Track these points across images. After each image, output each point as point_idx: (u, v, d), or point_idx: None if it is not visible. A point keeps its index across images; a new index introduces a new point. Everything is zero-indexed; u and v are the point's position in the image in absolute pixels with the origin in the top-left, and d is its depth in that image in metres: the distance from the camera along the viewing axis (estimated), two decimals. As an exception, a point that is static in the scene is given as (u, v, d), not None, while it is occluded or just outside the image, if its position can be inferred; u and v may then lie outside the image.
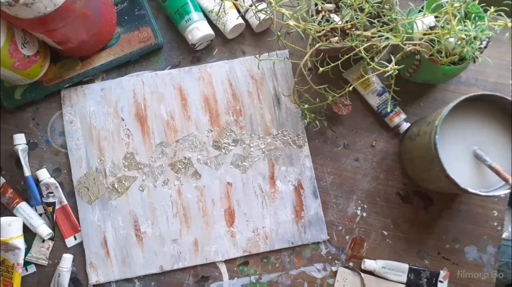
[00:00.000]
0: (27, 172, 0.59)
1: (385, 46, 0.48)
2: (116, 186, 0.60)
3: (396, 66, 0.47)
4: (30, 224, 0.58)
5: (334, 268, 0.59)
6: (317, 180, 0.60)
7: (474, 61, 0.50)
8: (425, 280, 0.57)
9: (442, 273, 0.58)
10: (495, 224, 0.59)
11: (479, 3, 0.50)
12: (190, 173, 0.60)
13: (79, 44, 0.57)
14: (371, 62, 0.48)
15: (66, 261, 0.57)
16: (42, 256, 0.59)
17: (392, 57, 0.48)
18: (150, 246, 0.59)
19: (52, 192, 0.59)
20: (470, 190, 0.46)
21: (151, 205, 0.60)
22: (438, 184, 0.53)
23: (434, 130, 0.47)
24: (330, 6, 0.54)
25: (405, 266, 0.58)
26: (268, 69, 0.62)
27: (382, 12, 0.51)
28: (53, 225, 0.59)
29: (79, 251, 0.59)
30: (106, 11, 0.59)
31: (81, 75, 0.61)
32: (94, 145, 0.60)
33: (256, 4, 0.53)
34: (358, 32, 0.49)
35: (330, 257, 0.59)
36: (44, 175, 0.59)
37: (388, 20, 0.50)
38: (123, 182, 0.60)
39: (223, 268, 0.59)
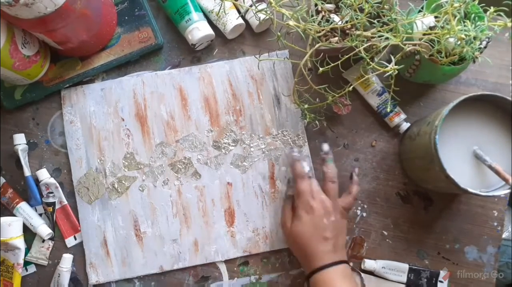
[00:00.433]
0: (27, 172, 0.59)
1: (385, 46, 0.48)
2: (116, 186, 0.60)
3: (396, 66, 0.47)
4: (30, 224, 0.58)
5: (334, 268, 0.58)
6: (317, 180, 0.60)
7: (474, 61, 0.50)
8: (425, 280, 0.57)
9: (442, 273, 0.58)
10: (495, 224, 0.59)
11: (479, 3, 0.50)
12: (190, 173, 0.60)
13: (79, 44, 0.57)
14: (371, 62, 0.48)
15: (66, 261, 0.57)
16: (42, 256, 0.59)
17: (392, 57, 0.48)
18: (150, 246, 0.59)
19: (52, 192, 0.59)
20: (470, 190, 0.46)
21: (151, 205, 0.60)
22: (438, 184, 0.53)
23: (434, 130, 0.47)
24: (330, 6, 0.54)
25: (405, 266, 0.58)
26: (268, 69, 0.62)
27: (382, 12, 0.51)
28: (53, 225, 0.59)
29: (79, 251, 0.59)
30: (106, 11, 0.59)
31: (81, 75, 0.61)
32: (94, 145, 0.61)
33: (256, 4, 0.53)
34: (358, 32, 0.49)
35: (330, 257, 0.59)
36: (44, 175, 0.59)
37: (388, 20, 0.50)
38: (123, 182, 0.60)
39: (223, 268, 0.59)
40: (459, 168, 0.49)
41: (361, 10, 0.50)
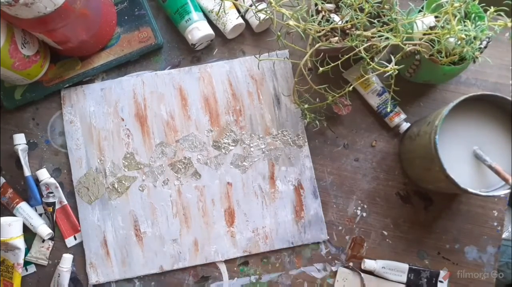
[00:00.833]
0: (27, 172, 0.59)
1: (385, 46, 0.48)
2: (116, 186, 0.60)
3: (396, 66, 0.47)
4: (30, 224, 0.58)
5: (334, 268, 0.59)
6: (317, 180, 0.60)
7: (474, 61, 0.50)
8: (425, 280, 0.58)
9: (442, 273, 0.58)
10: (495, 224, 0.59)
11: (479, 3, 0.50)
12: (190, 173, 0.60)
13: (79, 44, 0.57)
14: (371, 62, 0.48)
15: (66, 261, 0.57)
16: (42, 256, 0.59)
17: (392, 57, 0.48)
18: (150, 246, 0.59)
19: (52, 192, 0.59)
20: (470, 190, 0.46)
21: (151, 205, 0.60)
22: (438, 184, 0.53)
23: (434, 130, 0.47)
24: (330, 6, 0.54)
25: (405, 266, 0.58)
26: (268, 69, 0.62)
27: (382, 12, 0.51)
28: (53, 225, 0.59)
29: (79, 251, 0.59)
30: (106, 11, 0.59)
31: (81, 75, 0.61)
32: (94, 145, 0.60)
33: (256, 4, 0.53)
34: (358, 32, 0.49)
35: (330, 257, 0.59)
36: (44, 175, 0.59)
37: (388, 20, 0.50)
38: (123, 182, 0.60)
39: (223, 268, 0.59)
40: (459, 168, 0.49)
41: (361, 10, 0.50)
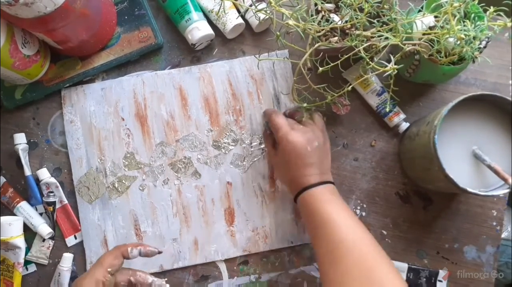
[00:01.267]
0: (27, 171, 0.59)
1: (385, 46, 0.49)
2: (116, 185, 0.60)
3: (396, 66, 0.47)
4: (31, 223, 0.58)
5: (333, 268, 0.59)
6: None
7: (474, 61, 0.50)
8: (424, 279, 0.58)
9: (442, 272, 0.58)
10: (494, 223, 0.59)
11: (478, 3, 0.50)
12: (190, 173, 0.60)
13: (79, 44, 0.57)
14: (370, 62, 0.48)
15: (67, 260, 0.58)
16: (42, 255, 0.59)
17: (392, 57, 0.48)
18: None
19: (52, 192, 0.59)
20: (469, 189, 0.46)
21: (151, 204, 0.60)
22: (437, 184, 0.53)
23: (434, 130, 0.47)
24: (330, 6, 0.54)
25: (404, 266, 0.58)
26: (267, 69, 0.62)
27: (382, 12, 0.51)
28: (54, 224, 0.59)
29: (79, 250, 0.59)
30: (106, 11, 0.59)
31: (81, 74, 0.61)
32: (94, 145, 0.61)
33: (256, 4, 0.53)
34: (357, 32, 0.50)
35: (329, 256, 0.59)
36: (44, 174, 0.59)
37: (387, 20, 0.50)
38: (123, 181, 0.60)
39: (222, 267, 0.59)
40: (459, 167, 0.49)
41: (361, 9, 0.50)
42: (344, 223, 0.47)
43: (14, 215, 0.58)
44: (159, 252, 0.51)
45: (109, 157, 0.60)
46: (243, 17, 0.61)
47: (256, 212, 0.60)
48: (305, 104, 0.56)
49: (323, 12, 0.53)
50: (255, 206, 0.60)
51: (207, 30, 0.60)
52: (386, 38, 0.48)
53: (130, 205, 0.60)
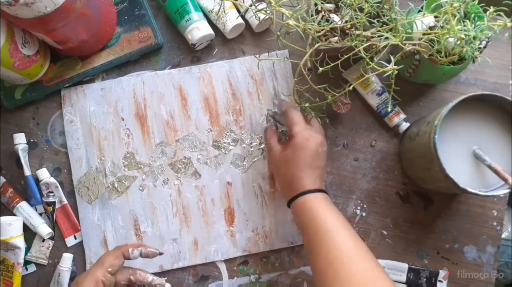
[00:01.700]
0: (27, 171, 0.59)
1: (385, 46, 0.49)
2: (116, 185, 0.60)
3: (396, 66, 0.47)
4: (30, 223, 0.58)
5: (333, 268, 0.58)
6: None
7: (474, 61, 0.50)
8: (425, 279, 0.58)
9: (442, 272, 0.58)
10: (495, 223, 0.59)
11: (478, 3, 0.50)
12: (190, 173, 0.60)
13: (79, 44, 0.57)
14: (370, 62, 0.48)
15: (66, 261, 0.58)
16: (42, 255, 0.59)
17: (392, 57, 0.48)
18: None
19: (52, 192, 0.59)
20: (470, 190, 0.46)
21: (151, 204, 0.60)
22: (437, 184, 0.53)
23: (434, 130, 0.47)
24: (330, 6, 0.54)
25: (405, 266, 0.58)
26: (268, 69, 0.62)
27: (382, 12, 0.51)
28: (53, 224, 0.59)
29: (79, 250, 0.59)
30: (106, 11, 0.59)
31: (81, 74, 0.61)
32: (94, 145, 0.61)
33: (256, 4, 0.53)
34: (357, 32, 0.49)
35: (329, 256, 0.59)
36: (44, 174, 0.59)
37: (387, 20, 0.50)
38: (123, 181, 0.60)
39: (222, 267, 0.59)
40: (459, 167, 0.49)
41: (361, 9, 0.50)
42: (342, 233, 0.47)
43: (14, 215, 0.58)
44: (160, 254, 0.51)
45: (109, 157, 0.60)
46: (243, 17, 0.61)
47: (256, 212, 0.59)
48: (306, 104, 0.56)
49: (323, 12, 0.53)
50: (255, 206, 0.60)
51: (207, 30, 0.60)
52: (386, 38, 0.48)
53: (129, 205, 0.60)
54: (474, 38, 0.48)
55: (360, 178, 0.60)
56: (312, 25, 0.50)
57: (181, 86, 0.62)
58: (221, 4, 0.55)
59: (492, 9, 0.47)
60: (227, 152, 0.61)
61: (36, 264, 0.59)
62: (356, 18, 0.50)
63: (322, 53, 0.52)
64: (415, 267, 0.58)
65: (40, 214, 0.59)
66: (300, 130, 0.52)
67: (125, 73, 0.63)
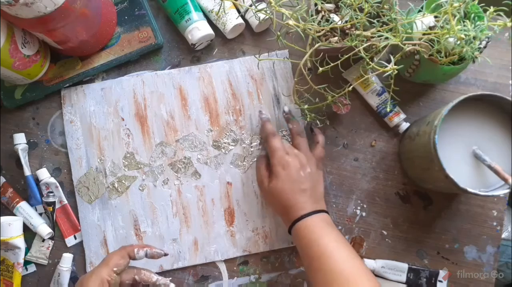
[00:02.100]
0: (27, 171, 0.59)
1: (385, 46, 0.49)
2: (116, 185, 0.60)
3: (396, 66, 0.47)
4: (30, 223, 0.58)
5: (333, 268, 0.58)
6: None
7: (474, 61, 0.50)
8: (425, 279, 0.58)
9: (442, 272, 0.58)
10: (495, 224, 0.59)
11: (478, 3, 0.50)
12: (190, 173, 0.60)
13: (79, 44, 0.57)
14: (370, 62, 0.48)
15: (66, 261, 0.58)
16: (42, 255, 0.59)
17: (392, 57, 0.48)
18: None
19: (52, 192, 0.59)
20: (470, 190, 0.46)
21: (151, 204, 0.60)
22: (437, 184, 0.53)
23: (434, 130, 0.47)
24: (330, 6, 0.54)
25: (405, 266, 0.58)
26: (267, 69, 0.62)
27: (382, 12, 0.51)
28: (53, 224, 0.59)
29: (79, 250, 0.59)
30: (106, 11, 0.59)
31: (81, 74, 0.61)
32: (94, 145, 0.61)
33: (256, 4, 0.53)
34: (357, 32, 0.50)
35: (329, 256, 0.59)
36: (44, 174, 0.59)
37: (387, 20, 0.50)
38: (123, 181, 0.60)
39: (222, 267, 0.59)
40: (459, 168, 0.49)
41: (361, 9, 0.50)
42: (340, 255, 0.47)
43: (14, 215, 0.58)
44: (165, 254, 0.51)
45: (109, 157, 0.60)
46: (243, 17, 0.61)
47: (256, 212, 0.59)
48: (306, 106, 0.56)
49: (323, 12, 0.53)
50: (255, 206, 0.60)
51: (207, 30, 0.60)
52: (386, 38, 0.48)
53: (129, 205, 0.60)
54: (474, 38, 0.48)
55: (360, 178, 0.60)
56: (312, 25, 0.50)
57: (181, 86, 0.62)
58: (221, 4, 0.55)
59: (492, 9, 0.47)
60: (227, 152, 0.61)
61: (36, 264, 0.59)
62: (356, 18, 0.50)
63: (322, 53, 0.52)
64: (415, 267, 0.58)
65: (40, 214, 0.59)
66: (278, 159, 0.53)
67: (125, 73, 0.63)
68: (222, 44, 0.63)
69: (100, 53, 0.61)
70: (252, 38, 0.63)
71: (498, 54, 0.61)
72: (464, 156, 0.50)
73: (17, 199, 0.59)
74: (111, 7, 0.61)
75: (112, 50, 0.61)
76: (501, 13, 0.46)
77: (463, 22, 0.49)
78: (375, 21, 0.49)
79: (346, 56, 0.50)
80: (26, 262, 0.58)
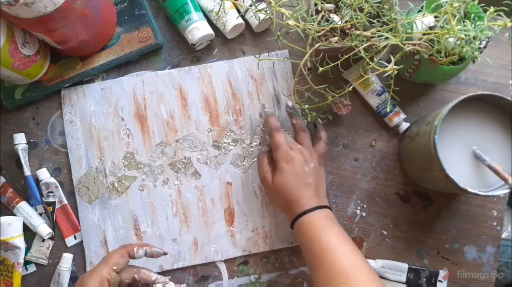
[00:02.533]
0: (27, 171, 0.59)
1: (385, 46, 0.49)
2: (116, 185, 0.60)
3: (396, 66, 0.47)
4: (30, 223, 0.58)
5: (333, 268, 0.58)
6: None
7: (474, 61, 0.50)
8: (425, 279, 0.58)
9: (442, 272, 0.58)
10: (495, 224, 0.59)
11: (478, 3, 0.50)
12: (190, 173, 0.60)
13: (79, 44, 0.57)
14: (370, 62, 0.48)
15: (66, 261, 0.58)
16: (42, 255, 0.59)
17: (392, 57, 0.48)
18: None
19: (52, 192, 0.59)
20: (470, 190, 0.46)
21: (151, 204, 0.60)
22: (437, 184, 0.53)
23: (434, 130, 0.47)
24: (330, 6, 0.54)
25: (405, 266, 0.58)
26: (267, 69, 0.62)
27: (382, 12, 0.51)
28: (53, 224, 0.59)
29: (79, 250, 0.59)
30: (106, 11, 0.59)
31: (81, 74, 0.61)
32: (94, 145, 0.61)
33: (256, 4, 0.53)
34: (357, 32, 0.50)
35: (329, 256, 0.59)
36: (44, 174, 0.59)
37: (387, 20, 0.50)
38: (123, 181, 0.60)
39: (222, 267, 0.59)
40: (459, 168, 0.49)
41: (361, 9, 0.50)
42: (342, 252, 0.47)
43: (14, 215, 0.58)
44: (165, 253, 0.51)
45: (109, 157, 0.60)
46: (243, 17, 0.61)
47: (256, 212, 0.59)
48: (306, 106, 0.56)
49: (323, 12, 0.53)
50: (255, 206, 0.60)
51: (207, 30, 0.60)
52: (386, 38, 0.48)
53: (129, 205, 0.60)
54: (474, 38, 0.48)
55: (360, 178, 0.60)
56: (312, 25, 0.50)
57: (181, 86, 0.62)
58: (221, 4, 0.55)
59: (492, 9, 0.47)
60: (227, 152, 0.61)
61: (36, 264, 0.59)
62: (356, 18, 0.50)
63: (322, 53, 0.52)
64: (415, 267, 0.58)
65: (40, 214, 0.59)
66: (282, 153, 0.53)
67: (125, 73, 0.63)
68: (222, 44, 0.63)
69: (100, 53, 0.61)
70: (252, 38, 0.63)
71: (498, 54, 0.61)
72: (464, 156, 0.50)
73: (17, 199, 0.59)
74: (111, 7, 0.61)
75: (112, 50, 0.61)
76: (501, 13, 0.46)
77: (463, 22, 0.49)
78: (375, 21, 0.49)
79: (346, 56, 0.50)
80: (26, 262, 0.59)
